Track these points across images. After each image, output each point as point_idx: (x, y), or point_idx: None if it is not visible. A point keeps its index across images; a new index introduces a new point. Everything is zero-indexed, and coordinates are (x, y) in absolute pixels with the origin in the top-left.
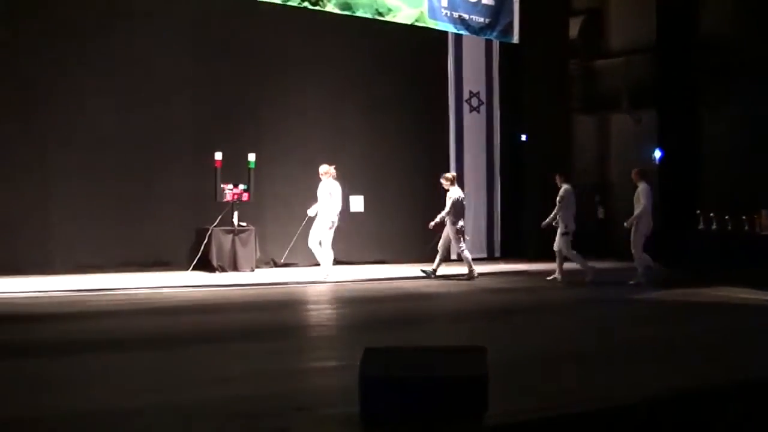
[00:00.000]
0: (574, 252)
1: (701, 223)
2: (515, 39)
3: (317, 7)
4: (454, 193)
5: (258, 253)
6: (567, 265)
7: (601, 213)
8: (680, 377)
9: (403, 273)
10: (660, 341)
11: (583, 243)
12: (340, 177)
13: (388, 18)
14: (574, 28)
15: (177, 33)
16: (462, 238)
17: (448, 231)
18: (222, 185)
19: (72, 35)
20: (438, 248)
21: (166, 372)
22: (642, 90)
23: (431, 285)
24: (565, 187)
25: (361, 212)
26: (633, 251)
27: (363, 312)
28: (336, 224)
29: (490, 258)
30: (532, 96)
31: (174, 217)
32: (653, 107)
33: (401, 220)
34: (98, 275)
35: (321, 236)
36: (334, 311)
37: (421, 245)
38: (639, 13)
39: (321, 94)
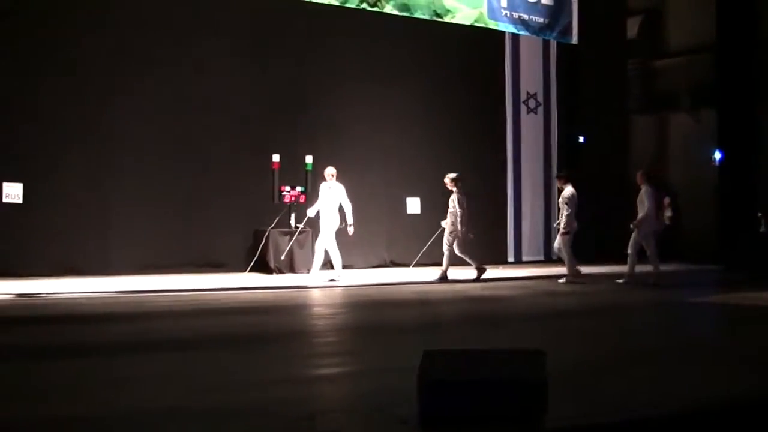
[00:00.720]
0: (570, 252)
1: (762, 226)
2: (574, 39)
3: (375, 9)
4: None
5: (312, 255)
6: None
7: (668, 214)
8: (745, 383)
9: (460, 275)
10: (725, 345)
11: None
12: (398, 178)
13: (446, 19)
14: (633, 27)
15: (235, 35)
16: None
17: (451, 232)
18: (279, 187)
19: (129, 37)
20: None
21: (222, 372)
22: (702, 90)
23: (484, 288)
24: (569, 188)
25: (417, 214)
26: (629, 251)
27: (418, 314)
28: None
29: (548, 261)
30: (590, 97)
31: (232, 219)
32: (713, 107)
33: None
34: (157, 276)
35: (326, 239)
36: (392, 312)
37: (479, 248)
38: (699, 12)
39: (378, 96)
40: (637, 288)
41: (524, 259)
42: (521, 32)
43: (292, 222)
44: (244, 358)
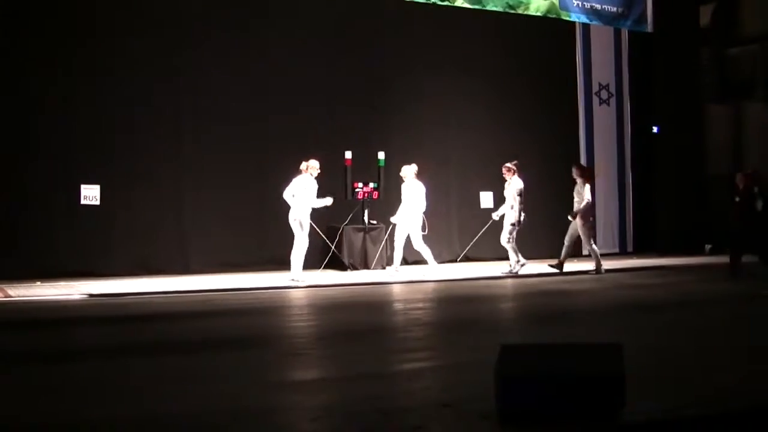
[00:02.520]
0: (513, 245)
1: None
2: (649, 28)
3: (446, 3)
4: (420, 186)
5: (389, 251)
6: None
7: (759, 205)
8: None
9: (533, 269)
10: None
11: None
12: (471, 172)
13: (519, 11)
14: (706, 14)
15: (308, 33)
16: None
17: (407, 226)
18: (352, 184)
19: (201, 38)
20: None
21: (299, 369)
22: None
23: (560, 281)
24: (519, 180)
25: (490, 208)
26: (588, 245)
27: (488, 309)
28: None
29: (623, 253)
30: (663, 86)
31: None
32: None
33: (531, 216)
34: (232, 275)
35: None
36: (463, 308)
37: (553, 240)
38: None
39: (450, 90)
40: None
41: (599, 251)
42: (594, 22)
43: (366, 218)
44: (317, 354)
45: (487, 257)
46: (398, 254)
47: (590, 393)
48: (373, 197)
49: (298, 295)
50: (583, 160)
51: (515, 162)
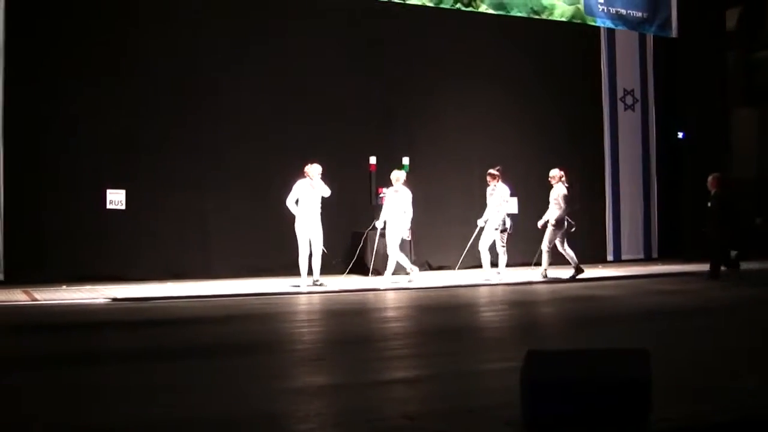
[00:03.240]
0: (504, 248)
1: None
2: (674, 33)
3: (470, 8)
4: (408, 193)
5: (413, 256)
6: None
7: None
8: None
9: (558, 275)
10: None
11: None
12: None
13: (543, 16)
14: (732, 18)
15: (330, 38)
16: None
17: (395, 231)
18: (377, 189)
19: (226, 44)
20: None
21: (318, 374)
22: None
23: (584, 287)
24: (503, 185)
25: (515, 214)
26: (546, 245)
27: (515, 315)
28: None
29: (648, 259)
30: (689, 91)
31: (330, 221)
32: None
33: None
34: (255, 279)
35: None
36: (497, 313)
37: (577, 244)
38: None
39: (474, 96)
40: (733, 286)
41: (624, 257)
42: (619, 27)
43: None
44: (343, 360)
45: (511, 263)
46: (405, 260)
47: (616, 398)
48: None
49: (317, 300)
50: (607, 166)
51: (498, 168)
